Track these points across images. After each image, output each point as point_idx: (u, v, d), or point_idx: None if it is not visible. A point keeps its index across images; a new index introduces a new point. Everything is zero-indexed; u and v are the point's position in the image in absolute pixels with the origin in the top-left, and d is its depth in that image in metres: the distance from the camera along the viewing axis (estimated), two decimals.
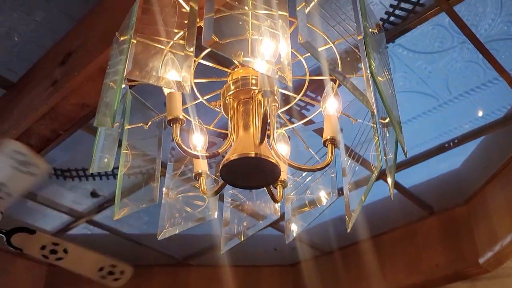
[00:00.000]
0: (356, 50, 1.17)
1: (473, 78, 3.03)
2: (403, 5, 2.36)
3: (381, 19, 2.41)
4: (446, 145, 3.45)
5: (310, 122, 1.56)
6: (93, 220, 4.10)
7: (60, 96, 1.96)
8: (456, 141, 3.36)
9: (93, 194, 3.69)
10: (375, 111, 1.13)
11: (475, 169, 3.74)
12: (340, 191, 1.32)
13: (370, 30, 1.17)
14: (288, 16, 1.13)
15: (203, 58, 1.32)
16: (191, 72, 0.99)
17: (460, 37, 2.72)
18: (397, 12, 2.41)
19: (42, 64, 2.30)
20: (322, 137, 1.27)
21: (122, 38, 1.19)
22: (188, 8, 1.14)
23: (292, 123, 1.54)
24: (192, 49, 1.00)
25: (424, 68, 3.05)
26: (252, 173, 1.18)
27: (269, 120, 1.15)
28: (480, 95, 3.12)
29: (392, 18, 2.48)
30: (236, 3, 1.18)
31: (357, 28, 1.15)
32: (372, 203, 3.93)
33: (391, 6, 2.43)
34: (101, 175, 3.49)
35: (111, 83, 1.15)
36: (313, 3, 1.11)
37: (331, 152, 1.24)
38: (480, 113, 3.19)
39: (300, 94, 1.36)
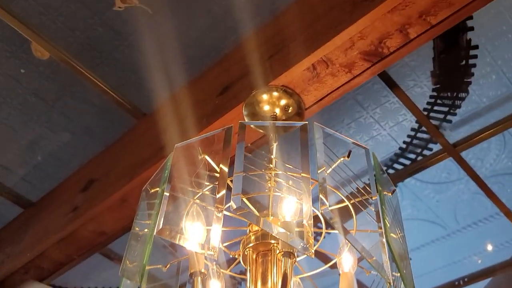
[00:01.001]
0: (371, 208, 1.24)
1: (480, 209, 3.08)
2: (411, 147, 2.49)
3: (390, 159, 2.52)
4: (456, 283, 3.42)
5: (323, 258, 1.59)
6: None
7: (79, 223, 2.01)
8: (466, 279, 3.34)
9: None
10: (391, 281, 1.16)
11: None
12: None
13: (384, 193, 1.25)
14: (310, 177, 1.21)
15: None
16: (218, 239, 1.05)
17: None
18: (406, 154, 2.54)
19: (63, 187, 2.39)
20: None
21: (153, 190, 1.27)
22: (217, 168, 1.22)
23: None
24: (220, 214, 1.07)
25: (432, 197, 3.11)
26: None
27: None
28: (488, 227, 3.15)
29: (401, 159, 2.60)
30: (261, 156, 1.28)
31: (372, 190, 1.23)
32: None
33: (404, 142, 2.56)
34: None
35: (139, 234, 1.20)
36: (330, 169, 1.19)
37: None
38: (489, 247, 3.20)
39: (316, 246, 1.40)
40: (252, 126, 1.50)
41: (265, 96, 1.67)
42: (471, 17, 2.00)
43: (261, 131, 1.69)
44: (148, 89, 2.35)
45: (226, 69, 1.91)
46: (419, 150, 2.49)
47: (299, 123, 1.27)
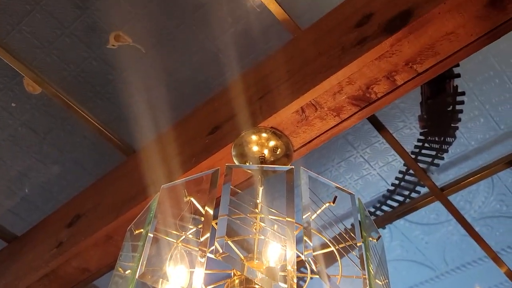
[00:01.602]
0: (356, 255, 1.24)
1: (469, 252, 3.07)
2: (399, 190, 2.50)
3: (379, 201, 2.53)
4: None
5: None
6: None
7: (63, 259, 1.99)
8: None
9: None
10: None
11: None
12: None
13: (370, 239, 1.25)
14: (295, 222, 1.22)
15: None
16: (201, 283, 1.04)
17: None
18: (394, 196, 2.55)
19: (49, 221, 2.37)
20: None
21: (137, 232, 1.26)
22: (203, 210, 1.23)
23: None
24: (204, 259, 1.06)
25: (421, 239, 3.11)
26: None
27: None
28: (476, 269, 3.13)
29: (389, 201, 2.61)
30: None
31: (357, 236, 1.23)
32: None
33: (392, 184, 2.58)
34: None
35: (122, 276, 1.19)
36: (315, 215, 1.20)
37: None
38: None
39: None
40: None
41: (254, 137, 1.68)
42: (457, 64, 2.05)
43: (249, 171, 1.70)
44: (139, 125, 2.37)
45: (216, 109, 1.93)
46: (407, 193, 2.50)
47: (285, 168, 1.28)
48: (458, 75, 2.00)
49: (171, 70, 2.55)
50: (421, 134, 2.42)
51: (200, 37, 2.43)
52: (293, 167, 1.27)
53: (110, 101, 2.68)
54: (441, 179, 2.67)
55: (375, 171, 2.87)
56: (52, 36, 2.52)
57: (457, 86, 2.07)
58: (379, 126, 2.16)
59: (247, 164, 1.70)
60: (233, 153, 1.72)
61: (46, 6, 2.36)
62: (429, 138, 2.32)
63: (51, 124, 2.72)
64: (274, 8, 2.00)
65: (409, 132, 2.73)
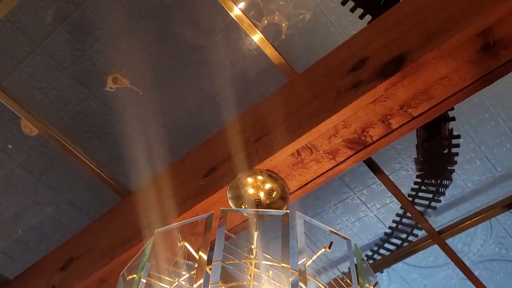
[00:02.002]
0: None
1: None
2: (397, 233, 2.48)
3: (376, 244, 2.51)
4: None
5: None
6: None
7: None
8: None
9: None
10: None
11: None
12: None
13: (366, 285, 1.22)
14: (290, 267, 1.20)
15: None
16: None
17: None
18: (391, 239, 2.53)
19: (42, 264, 2.33)
20: None
21: (130, 277, 1.24)
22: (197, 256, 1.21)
23: None
24: None
25: (419, 282, 3.06)
26: None
27: None
28: None
29: (386, 244, 2.59)
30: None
31: (353, 283, 1.21)
32: None
33: (389, 227, 2.56)
34: None
35: None
36: (310, 261, 1.18)
37: None
38: None
39: None
40: None
41: (249, 180, 1.68)
42: (452, 107, 2.07)
43: (245, 214, 1.68)
44: (135, 166, 2.36)
45: (212, 151, 1.93)
46: (404, 236, 2.48)
47: (281, 212, 1.27)
48: (453, 119, 2.02)
49: (168, 112, 2.57)
50: (417, 176, 2.41)
51: (197, 79, 2.46)
52: (288, 211, 1.26)
53: (107, 141, 2.68)
54: (438, 221, 2.66)
55: (373, 213, 2.85)
56: (51, 77, 2.54)
57: (452, 129, 2.08)
58: (375, 168, 2.16)
59: (243, 207, 1.69)
60: (229, 195, 1.71)
61: (46, 48, 2.40)
62: (426, 181, 2.32)
63: (47, 165, 2.72)
64: (270, 52, 2.04)
65: (406, 174, 2.73)
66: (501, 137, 2.80)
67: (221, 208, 1.29)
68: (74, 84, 2.59)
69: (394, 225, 2.53)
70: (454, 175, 2.59)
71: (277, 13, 2.61)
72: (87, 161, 2.29)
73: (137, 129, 2.54)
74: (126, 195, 2.21)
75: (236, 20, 2.11)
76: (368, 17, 2.10)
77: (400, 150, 2.71)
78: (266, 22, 2.54)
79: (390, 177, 2.43)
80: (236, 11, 2.08)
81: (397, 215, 2.55)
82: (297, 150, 1.63)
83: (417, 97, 1.51)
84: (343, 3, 2.08)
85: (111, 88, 1.91)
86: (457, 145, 2.09)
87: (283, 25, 2.55)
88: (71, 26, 2.37)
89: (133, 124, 2.55)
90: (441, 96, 1.50)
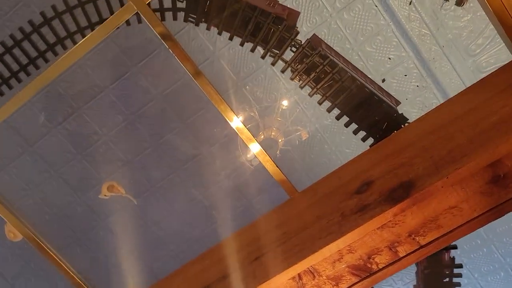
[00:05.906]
0: None
1: None
2: None
3: None
4: None
5: None
6: None
7: None
8: None
9: None
10: None
11: None
12: None
13: None
14: None
15: None
16: None
17: None
18: None
19: None
20: None
21: None
22: None
23: None
24: None
25: None
26: None
27: None
28: None
29: None
30: None
31: None
32: None
33: None
34: None
35: None
36: None
37: None
38: None
39: None
40: None
41: None
42: None
43: None
44: (118, 278, 2.22)
45: (206, 268, 1.81)
46: None
47: None
48: (455, 247, 1.96)
49: (158, 220, 2.48)
50: None
51: (189, 189, 2.41)
52: None
53: (89, 248, 2.56)
54: None
55: None
56: (38, 178, 2.47)
57: (454, 257, 2.02)
58: None
59: None
60: None
61: (38, 149, 2.35)
62: None
63: (23, 269, 2.56)
64: (269, 166, 2.00)
65: None
66: (495, 265, 2.74)
67: None
68: (62, 187, 2.52)
69: None
70: None
71: (274, 128, 2.64)
72: (66, 267, 2.14)
73: (123, 238, 2.43)
74: None
75: (237, 131, 2.10)
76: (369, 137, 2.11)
77: (402, 273, 2.62)
78: (263, 137, 2.55)
79: None
80: (236, 123, 2.07)
81: None
82: (298, 274, 1.54)
83: (426, 225, 1.46)
84: (347, 125, 2.10)
85: (105, 195, 1.85)
86: (459, 275, 2.01)
87: (280, 141, 2.56)
88: (66, 129, 2.35)
89: (120, 232, 2.45)
90: (450, 225, 1.46)
